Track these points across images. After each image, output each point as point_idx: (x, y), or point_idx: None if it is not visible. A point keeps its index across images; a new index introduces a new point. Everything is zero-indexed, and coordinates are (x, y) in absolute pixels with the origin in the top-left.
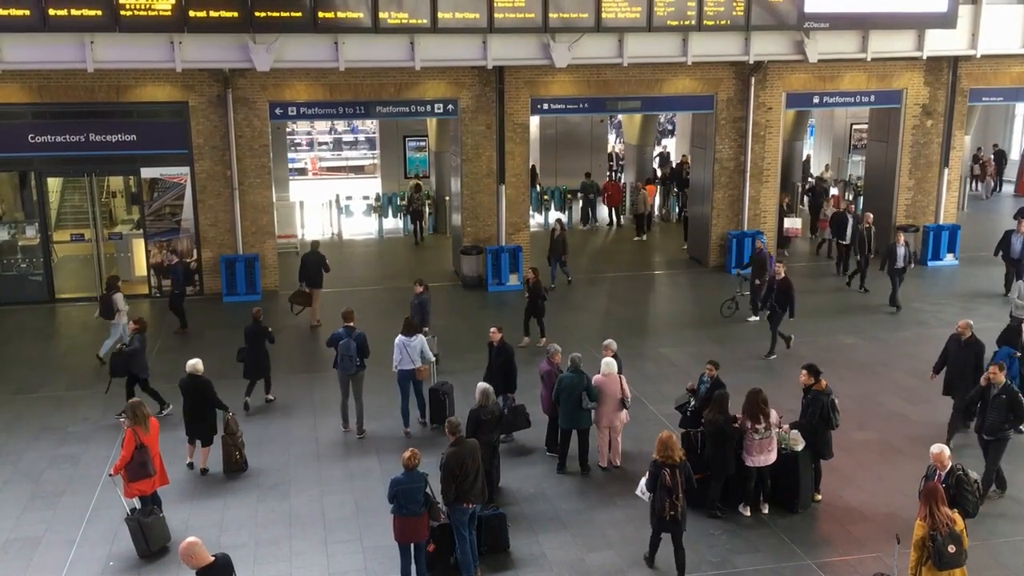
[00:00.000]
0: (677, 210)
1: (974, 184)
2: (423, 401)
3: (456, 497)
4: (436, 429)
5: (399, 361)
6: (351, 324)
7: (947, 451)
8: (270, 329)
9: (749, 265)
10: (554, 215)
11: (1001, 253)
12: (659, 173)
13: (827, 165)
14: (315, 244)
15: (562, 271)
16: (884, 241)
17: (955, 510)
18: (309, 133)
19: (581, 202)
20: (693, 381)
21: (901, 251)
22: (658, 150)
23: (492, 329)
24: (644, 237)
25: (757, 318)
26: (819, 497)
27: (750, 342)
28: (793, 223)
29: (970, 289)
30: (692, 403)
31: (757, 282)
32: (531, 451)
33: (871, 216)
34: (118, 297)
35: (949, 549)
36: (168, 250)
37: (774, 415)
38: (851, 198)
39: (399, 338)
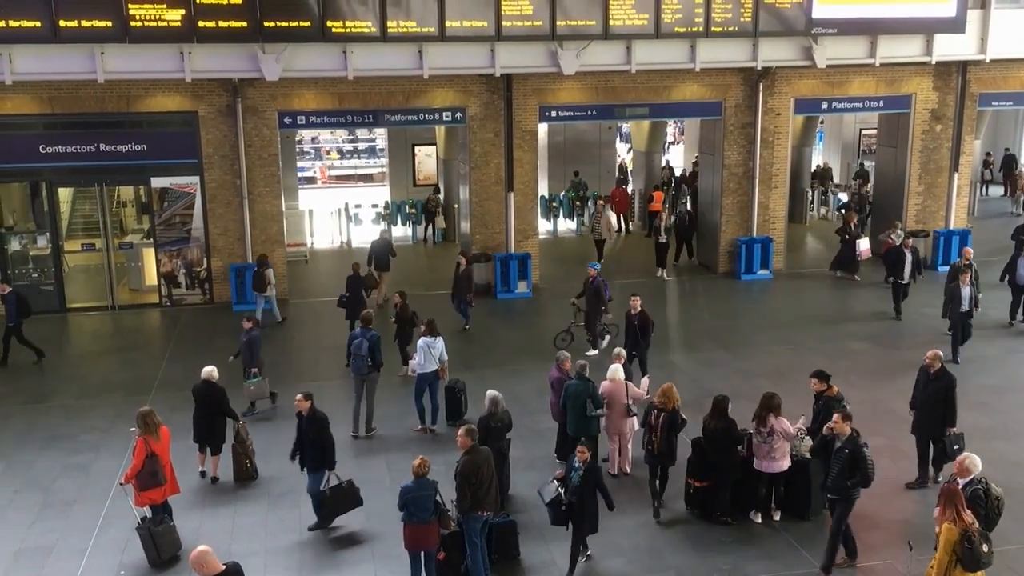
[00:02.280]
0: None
1: (984, 189)
2: (438, 406)
3: (471, 505)
4: (452, 427)
5: (421, 364)
6: (369, 326)
7: (969, 460)
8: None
9: (583, 294)
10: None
11: (1008, 278)
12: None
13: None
14: (383, 232)
15: (462, 313)
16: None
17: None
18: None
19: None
20: (562, 469)
21: (966, 292)
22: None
23: (298, 397)
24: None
25: (596, 352)
26: None
27: (763, 354)
28: (866, 245)
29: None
30: (563, 494)
31: (604, 309)
32: (541, 459)
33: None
34: (269, 272)
35: (984, 549)
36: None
37: (788, 425)
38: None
39: (423, 339)
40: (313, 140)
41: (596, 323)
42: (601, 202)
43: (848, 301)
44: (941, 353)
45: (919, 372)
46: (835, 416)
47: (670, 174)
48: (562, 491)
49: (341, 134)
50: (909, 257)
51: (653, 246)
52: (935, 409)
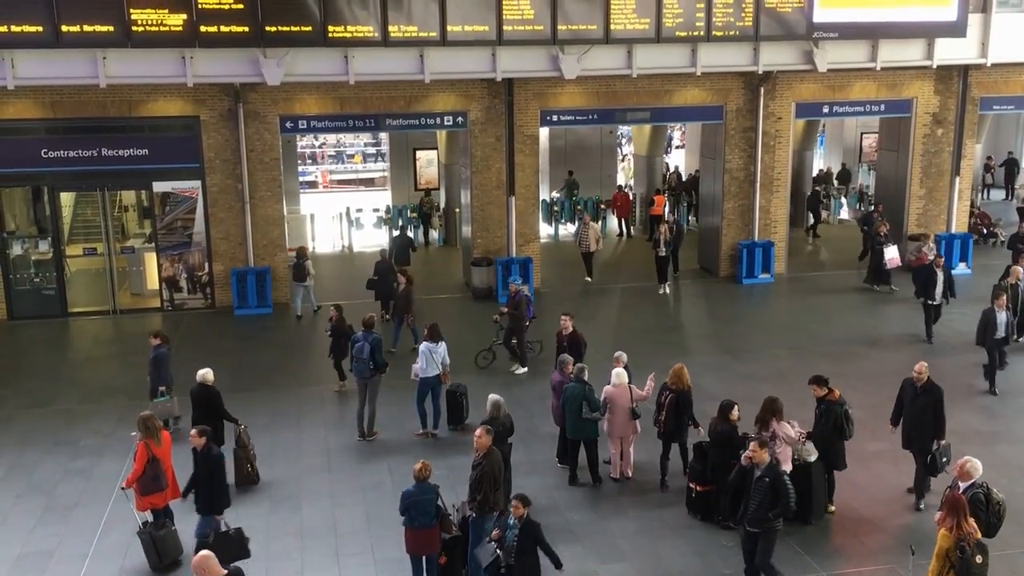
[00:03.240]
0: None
1: (986, 193)
2: (439, 411)
3: (491, 505)
4: (454, 431)
5: (423, 368)
6: (371, 330)
7: (971, 464)
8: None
9: (507, 311)
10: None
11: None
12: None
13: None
14: (403, 229)
15: (410, 330)
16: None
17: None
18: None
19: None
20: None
21: (1002, 317)
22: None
23: (192, 432)
24: (590, 279)
25: (525, 369)
26: (832, 508)
27: (765, 358)
28: (894, 254)
29: (983, 297)
30: (501, 556)
31: (527, 323)
32: (542, 463)
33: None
34: (308, 264)
35: (976, 560)
36: None
37: (790, 429)
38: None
39: (424, 344)
40: (338, 142)
41: (523, 340)
42: (587, 215)
43: (852, 305)
44: (926, 365)
45: (903, 386)
46: (751, 445)
47: (677, 179)
48: (500, 553)
49: (365, 137)
50: (941, 276)
51: (653, 256)
52: (925, 422)
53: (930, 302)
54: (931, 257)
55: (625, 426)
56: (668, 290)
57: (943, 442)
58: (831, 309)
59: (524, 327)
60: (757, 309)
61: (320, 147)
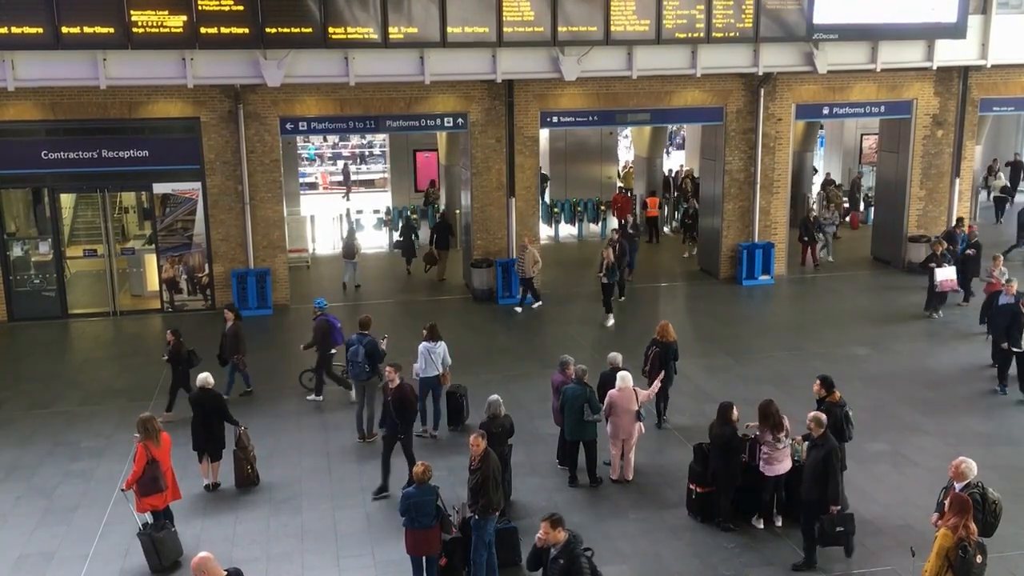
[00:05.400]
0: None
1: (987, 195)
2: (440, 412)
3: (493, 506)
4: (453, 431)
5: (423, 368)
6: (365, 332)
7: (965, 464)
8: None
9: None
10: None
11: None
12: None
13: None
14: (443, 213)
15: (240, 374)
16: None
17: None
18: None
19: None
20: None
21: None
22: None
23: None
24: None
25: (321, 397)
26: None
27: (765, 360)
28: (948, 275)
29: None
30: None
31: (332, 352)
32: (542, 464)
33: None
34: (358, 243)
35: (977, 559)
36: None
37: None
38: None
39: (423, 345)
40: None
41: (328, 366)
42: (527, 237)
43: (853, 306)
44: (824, 417)
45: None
46: (543, 525)
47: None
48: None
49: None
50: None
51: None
52: (816, 481)
53: (1016, 350)
54: (1003, 279)
55: (628, 428)
56: (613, 321)
57: (837, 508)
58: (832, 310)
59: (328, 356)
60: (757, 311)
61: (333, 147)
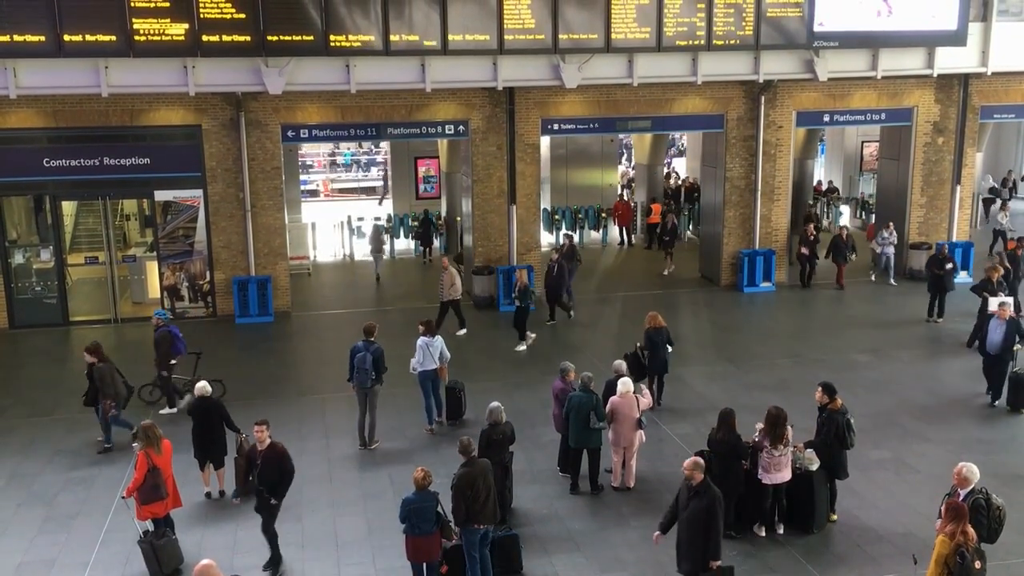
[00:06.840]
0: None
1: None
2: (440, 401)
3: (467, 518)
4: (452, 426)
5: (421, 362)
6: (371, 339)
7: (967, 469)
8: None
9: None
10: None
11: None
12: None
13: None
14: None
15: (105, 422)
16: None
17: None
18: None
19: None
20: None
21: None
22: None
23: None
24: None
25: (175, 409)
26: (835, 517)
27: (766, 367)
28: (1000, 305)
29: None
30: None
31: (173, 362)
32: (543, 471)
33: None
34: (385, 236)
35: (976, 565)
36: None
37: (789, 432)
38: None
39: (421, 339)
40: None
41: (168, 377)
42: (446, 258)
43: (854, 313)
44: (702, 461)
45: (680, 489)
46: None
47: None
48: None
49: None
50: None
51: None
52: (696, 534)
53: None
54: (998, 307)
55: (630, 435)
56: (528, 346)
57: (718, 564)
58: (833, 317)
59: (170, 366)
60: (758, 318)
61: (352, 154)
